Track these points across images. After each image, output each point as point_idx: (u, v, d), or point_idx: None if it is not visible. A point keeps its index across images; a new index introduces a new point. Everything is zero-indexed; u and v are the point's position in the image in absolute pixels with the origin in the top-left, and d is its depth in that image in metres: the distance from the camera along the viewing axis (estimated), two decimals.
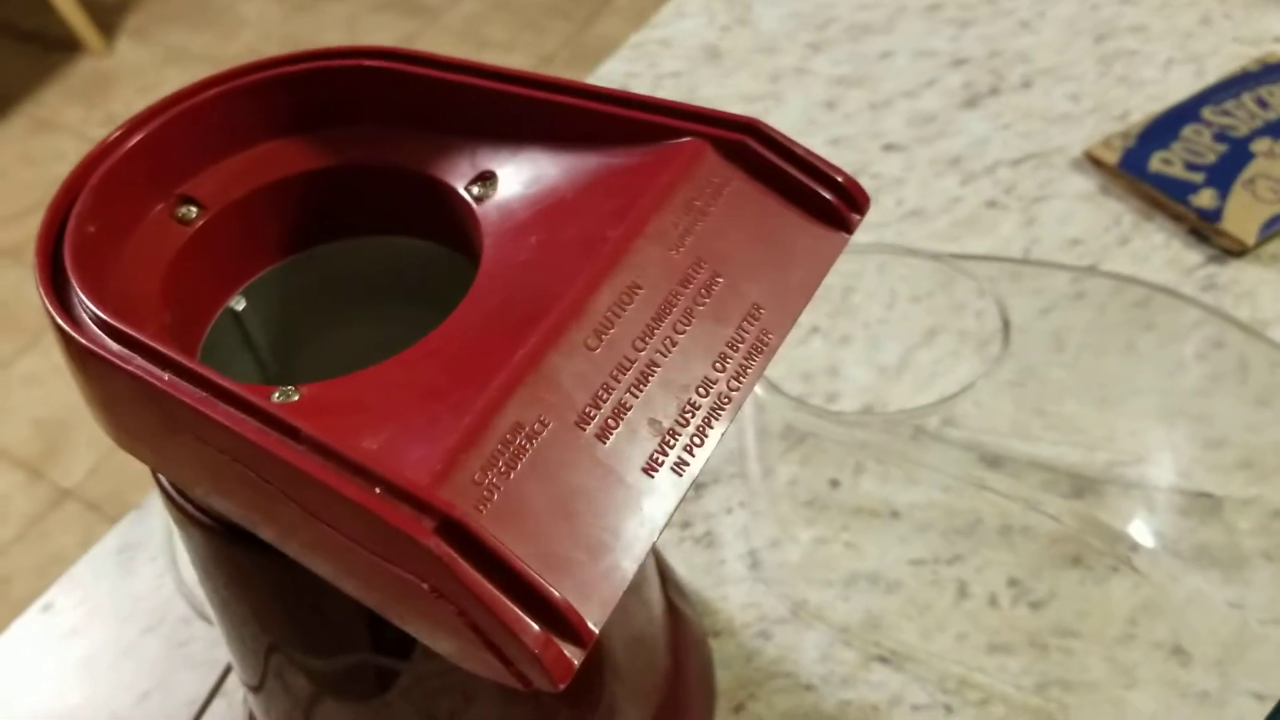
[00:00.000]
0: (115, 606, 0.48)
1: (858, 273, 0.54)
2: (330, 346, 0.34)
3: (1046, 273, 0.52)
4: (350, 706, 0.34)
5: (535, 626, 0.20)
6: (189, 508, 0.28)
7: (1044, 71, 0.65)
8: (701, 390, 0.24)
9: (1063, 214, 0.57)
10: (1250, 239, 0.53)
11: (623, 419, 0.23)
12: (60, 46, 2.10)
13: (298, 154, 0.30)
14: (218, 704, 0.44)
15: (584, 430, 0.22)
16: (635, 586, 0.35)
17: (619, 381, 0.23)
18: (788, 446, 0.48)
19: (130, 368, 0.23)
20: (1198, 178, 0.56)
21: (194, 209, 0.29)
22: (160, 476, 0.29)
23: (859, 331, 0.52)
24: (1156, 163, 0.57)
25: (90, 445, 1.45)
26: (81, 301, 0.25)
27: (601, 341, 0.24)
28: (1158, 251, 0.55)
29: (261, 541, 0.27)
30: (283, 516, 0.23)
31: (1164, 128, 0.59)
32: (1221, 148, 0.57)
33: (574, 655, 0.20)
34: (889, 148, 0.62)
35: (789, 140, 0.27)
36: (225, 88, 0.29)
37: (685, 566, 0.46)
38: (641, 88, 0.68)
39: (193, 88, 0.29)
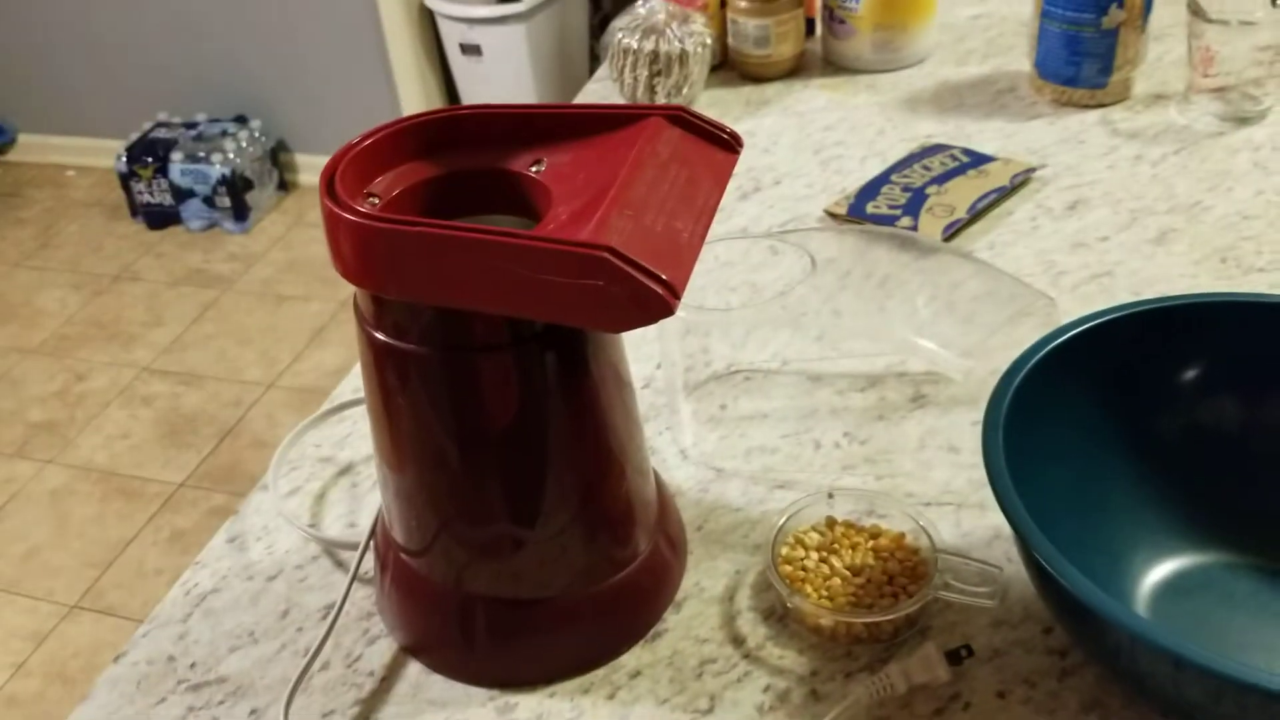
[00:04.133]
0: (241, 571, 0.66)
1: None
2: None
3: (810, 237, 0.80)
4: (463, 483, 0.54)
5: (660, 290, 0.44)
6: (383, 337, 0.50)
7: (786, 175, 0.96)
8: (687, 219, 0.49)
9: (818, 241, 0.86)
10: (939, 236, 0.83)
11: (665, 219, 0.47)
12: None
13: (429, 167, 0.54)
14: None
15: (649, 221, 0.47)
16: (641, 459, 0.58)
17: (663, 208, 0.48)
18: (689, 390, 0.73)
19: (411, 229, 0.46)
20: (898, 212, 0.86)
21: (376, 199, 0.52)
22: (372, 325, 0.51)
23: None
24: (870, 208, 0.87)
25: None
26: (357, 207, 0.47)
27: (646, 192, 0.48)
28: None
29: (440, 357, 0.49)
30: (509, 283, 0.45)
31: (870, 189, 0.90)
32: (908, 195, 0.88)
33: (674, 299, 0.44)
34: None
35: (697, 112, 0.53)
36: (387, 132, 0.53)
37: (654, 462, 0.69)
38: None
39: (371, 133, 0.52)
